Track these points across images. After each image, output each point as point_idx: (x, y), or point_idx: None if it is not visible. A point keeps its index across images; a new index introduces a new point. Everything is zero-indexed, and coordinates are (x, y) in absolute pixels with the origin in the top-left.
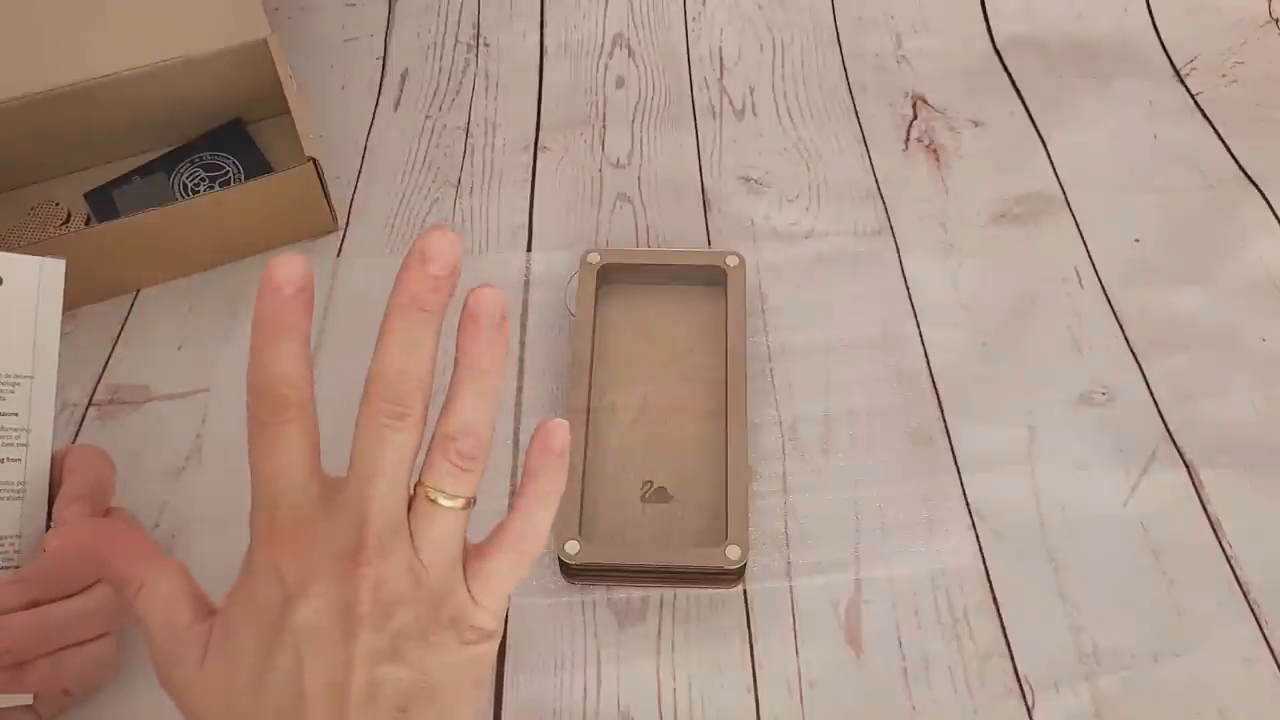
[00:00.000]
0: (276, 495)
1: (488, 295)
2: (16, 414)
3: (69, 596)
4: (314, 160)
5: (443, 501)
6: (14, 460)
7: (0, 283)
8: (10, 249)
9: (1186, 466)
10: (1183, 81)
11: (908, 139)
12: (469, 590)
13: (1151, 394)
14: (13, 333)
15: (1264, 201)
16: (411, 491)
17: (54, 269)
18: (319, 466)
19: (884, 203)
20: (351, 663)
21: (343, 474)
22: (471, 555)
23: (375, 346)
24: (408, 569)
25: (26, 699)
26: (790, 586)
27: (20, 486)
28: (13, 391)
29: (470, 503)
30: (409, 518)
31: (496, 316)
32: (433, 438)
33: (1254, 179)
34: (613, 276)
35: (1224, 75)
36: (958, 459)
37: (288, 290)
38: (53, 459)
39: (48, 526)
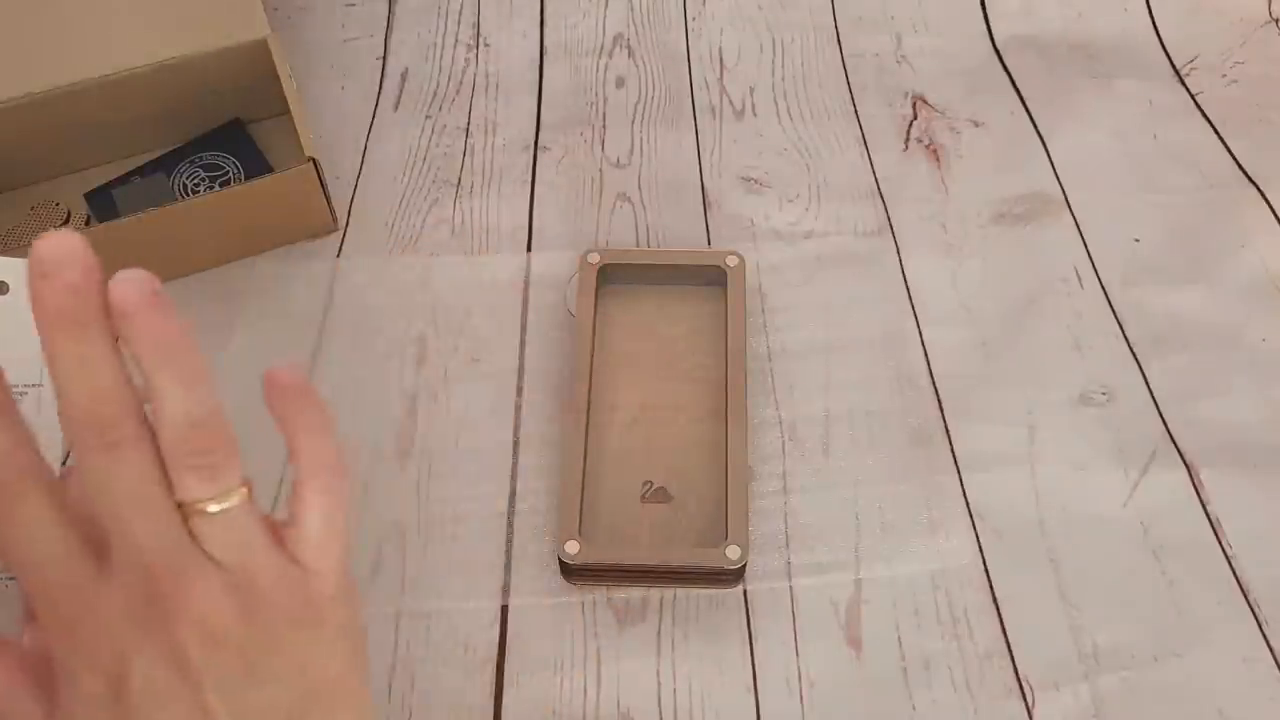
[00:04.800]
0: (44, 576)
1: (125, 277)
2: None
3: None
4: (314, 160)
5: (212, 508)
6: None
7: (6, 289)
8: (11, 249)
9: (1186, 466)
10: (1183, 81)
11: (908, 139)
12: (298, 563)
13: (1151, 394)
14: (20, 340)
15: (1264, 201)
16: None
17: None
18: (71, 520)
19: (884, 203)
20: (210, 707)
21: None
22: (283, 526)
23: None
24: (219, 590)
25: None
26: (790, 586)
27: None
28: (20, 400)
29: (244, 487)
30: (192, 536)
31: (145, 290)
32: (160, 450)
33: (1254, 179)
34: (613, 276)
35: (1224, 75)
36: (958, 459)
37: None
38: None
39: None
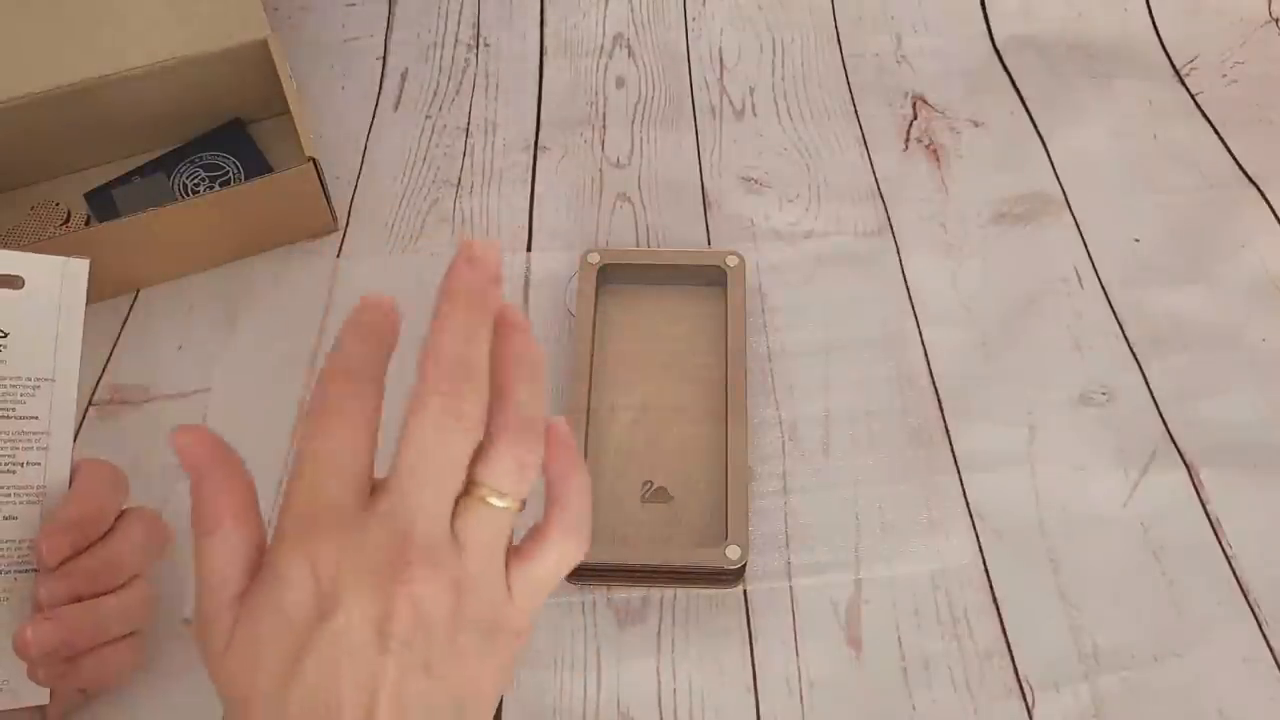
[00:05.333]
0: (324, 484)
1: (509, 306)
2: (37, 417)
3: (110, 592)
4: (314, 160)
5: (496, 502)
6: (34, 464)
7: (22, 284)
8: (11, 249)
9: (1186, 466)
10: (1183, 81)
11: (908, 139)
12: (510, 592)
13: (1151, 394)
14: (34, 335)
15: (1264, 201)
16: (461, 489)
17: (77, 269)
18: (373, 461)
19: (884, 203)
20: (382, 678)
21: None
22: (514, 555)
23: (429, 337)
24: (449, 583)
25: (44, 698)
26: (790, 586)
27: (40, 490)
28: (33, 395)
29: (523, 504)
30: (455, 520)
31: (521, 317)
32: (489, 433)
33: (1254, 179)
34: (613, 276)
35: (1224, 75)
36: (958, 459)
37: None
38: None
39: None
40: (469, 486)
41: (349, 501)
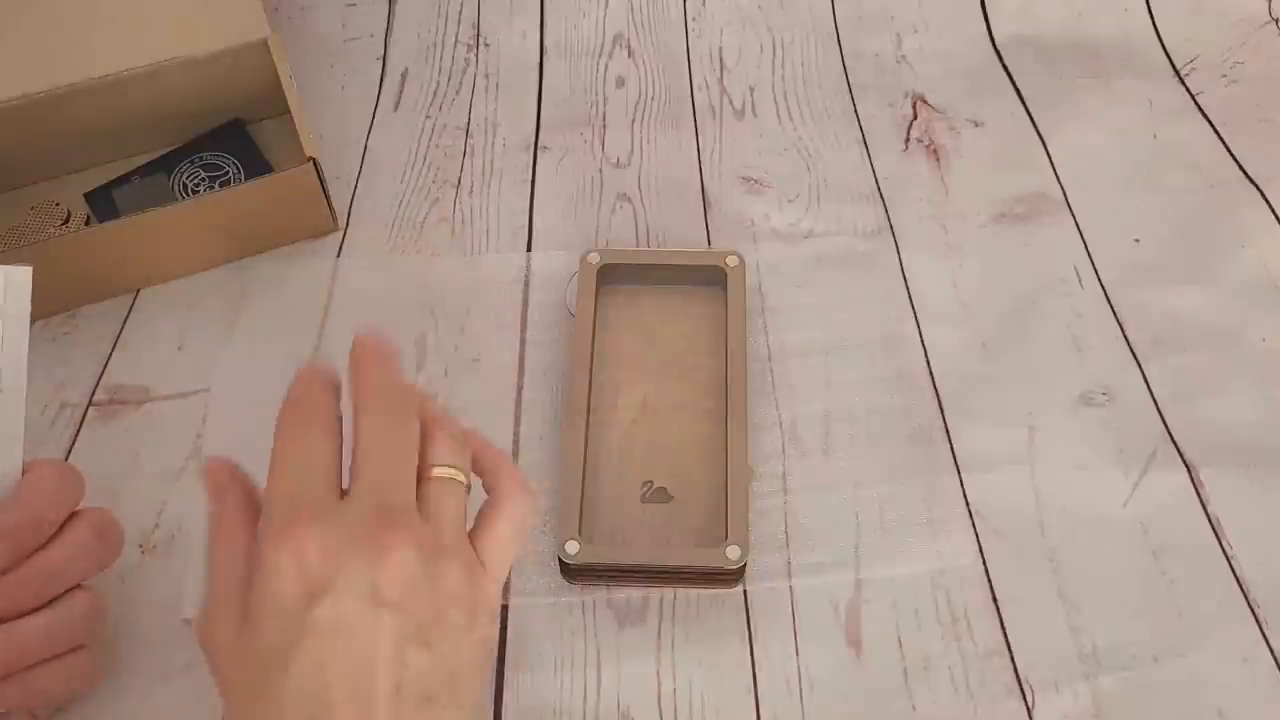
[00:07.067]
0: (300, 481)
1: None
2: None
3: (38, 610)
4: (314, 160)
5: (450, 473)
6: None
7: None
8: (10, 249)
9: (1186, 466)
10: (1183, 81)
11: (908, 139)
12: (480, 559)
13: (1151, 394)
14: None
15: (1264, 201)
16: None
17: (20, 277)
18: (341, 459)
19: (884, 203)
20: (377, 655)
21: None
22: (476, 526)
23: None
24: (429, 549)
25: None
26: (790, 586)
27: None
28: None
29: (468, 486)
30: (419, 500)
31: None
32: (423, 427)
33: (1254, 179)
34: (613, 276)
35: (1224, 75)
36: (958, 459)
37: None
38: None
39: None
40: (421, 470)
41: (323, 492)
